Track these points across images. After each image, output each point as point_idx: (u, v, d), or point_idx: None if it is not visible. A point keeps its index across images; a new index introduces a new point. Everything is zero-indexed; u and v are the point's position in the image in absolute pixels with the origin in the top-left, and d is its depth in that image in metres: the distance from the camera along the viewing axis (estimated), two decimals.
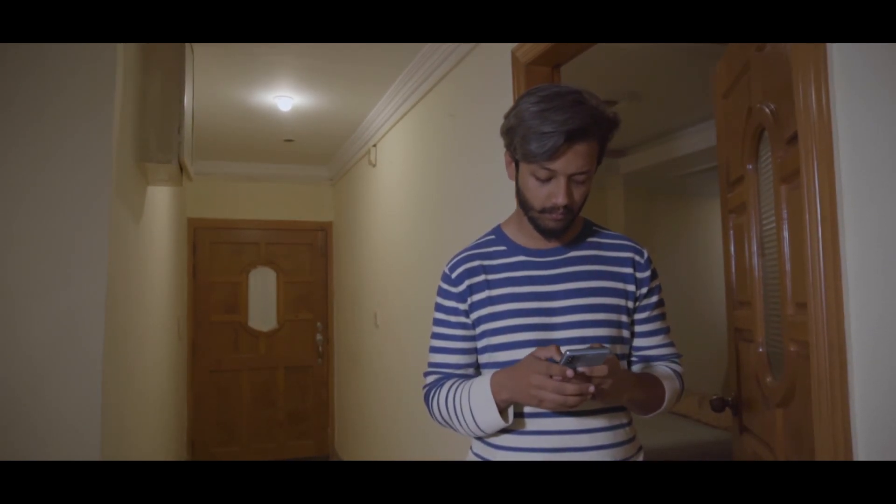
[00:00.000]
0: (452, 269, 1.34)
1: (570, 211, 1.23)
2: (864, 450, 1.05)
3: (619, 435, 1.26)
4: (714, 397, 1.84)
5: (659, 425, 3.52)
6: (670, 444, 3.54)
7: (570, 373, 1.07)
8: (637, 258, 1.32)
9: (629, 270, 1.31)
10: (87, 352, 1.67)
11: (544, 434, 1.23)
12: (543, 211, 1.23)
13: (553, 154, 1.16)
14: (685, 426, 3.90)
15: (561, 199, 1.19)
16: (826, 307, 1.09)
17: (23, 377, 1.62)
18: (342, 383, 5.26)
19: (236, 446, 5.18)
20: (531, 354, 1.15)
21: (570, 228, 1.29)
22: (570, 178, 1.20)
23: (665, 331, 1.38)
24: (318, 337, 5.46)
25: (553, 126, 1.14)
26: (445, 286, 1.35)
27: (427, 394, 1.37)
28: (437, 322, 1.36)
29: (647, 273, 1.32)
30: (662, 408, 1.31)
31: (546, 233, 1.26)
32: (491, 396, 1.20)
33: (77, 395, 1.65)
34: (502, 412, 1.21)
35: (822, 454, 1.11)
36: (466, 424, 1.25)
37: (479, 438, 1.32)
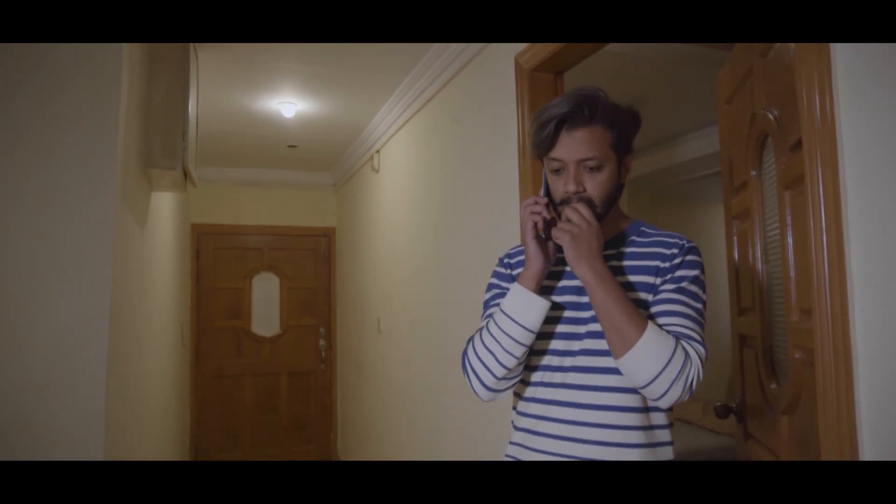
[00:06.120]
0: (511, 257, 1.40)
1: (589, 202, 1.22)
2: (870, 457, 1.04)
3: (644, 436, 1.31)
4: (718, 403, 1.83)
5: None
6: (674, 449, 3.53)
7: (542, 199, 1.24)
8: (665, 251, 1.26)
9: (656, 263, 1.26)
10: (90, 359, 1.67)
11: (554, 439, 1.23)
12: (562, 203, 1.25)
13: (551, 142, 1.21)
14: (689, 432, 3.88)
15: (571, 187, 1.21)
16: (831, 314, 1.09)
17: (26, 385, 1.62)
18: (345, 389, 5.26)
19: (239, 452, 5.17)
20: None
21: (606, 225, 1.27)
22: (579, 166, 1.22)
23: (679, 314, 1.21)
24: (321, 342, 5.46)
25: (548, 115, 1.21)
26: (502, 270, 1.39)
27: (464, 352, 1.32)
28: (490, 301, 1.37)
29: (672, 262, 1.24)
30: (634, 351, 1.12)
31: None
32: (521, 288, 1.22)
33: (80, 403, 1.65)
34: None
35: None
36: (508, 336, 1.22)
37: (514, 443, 1.31)
